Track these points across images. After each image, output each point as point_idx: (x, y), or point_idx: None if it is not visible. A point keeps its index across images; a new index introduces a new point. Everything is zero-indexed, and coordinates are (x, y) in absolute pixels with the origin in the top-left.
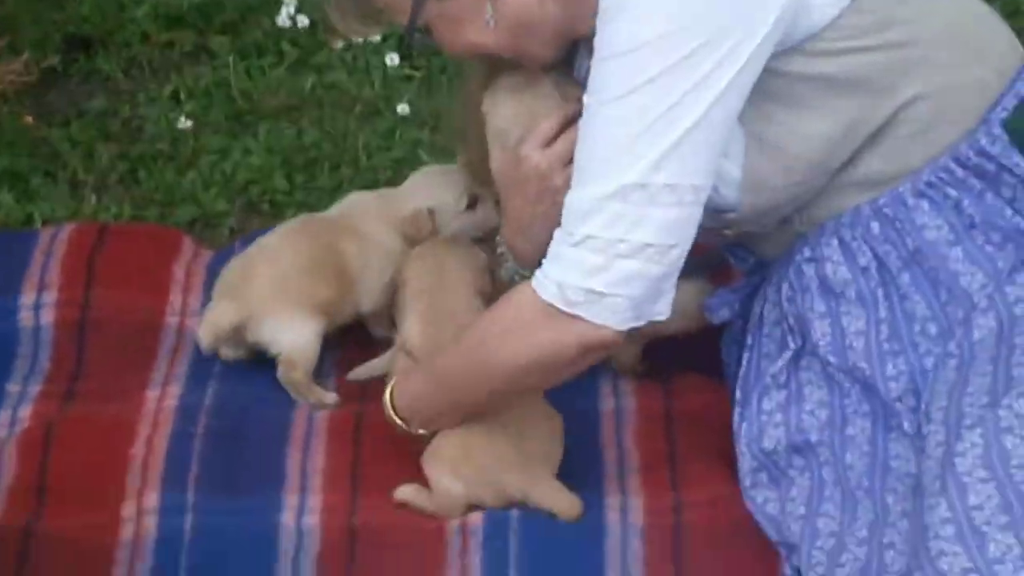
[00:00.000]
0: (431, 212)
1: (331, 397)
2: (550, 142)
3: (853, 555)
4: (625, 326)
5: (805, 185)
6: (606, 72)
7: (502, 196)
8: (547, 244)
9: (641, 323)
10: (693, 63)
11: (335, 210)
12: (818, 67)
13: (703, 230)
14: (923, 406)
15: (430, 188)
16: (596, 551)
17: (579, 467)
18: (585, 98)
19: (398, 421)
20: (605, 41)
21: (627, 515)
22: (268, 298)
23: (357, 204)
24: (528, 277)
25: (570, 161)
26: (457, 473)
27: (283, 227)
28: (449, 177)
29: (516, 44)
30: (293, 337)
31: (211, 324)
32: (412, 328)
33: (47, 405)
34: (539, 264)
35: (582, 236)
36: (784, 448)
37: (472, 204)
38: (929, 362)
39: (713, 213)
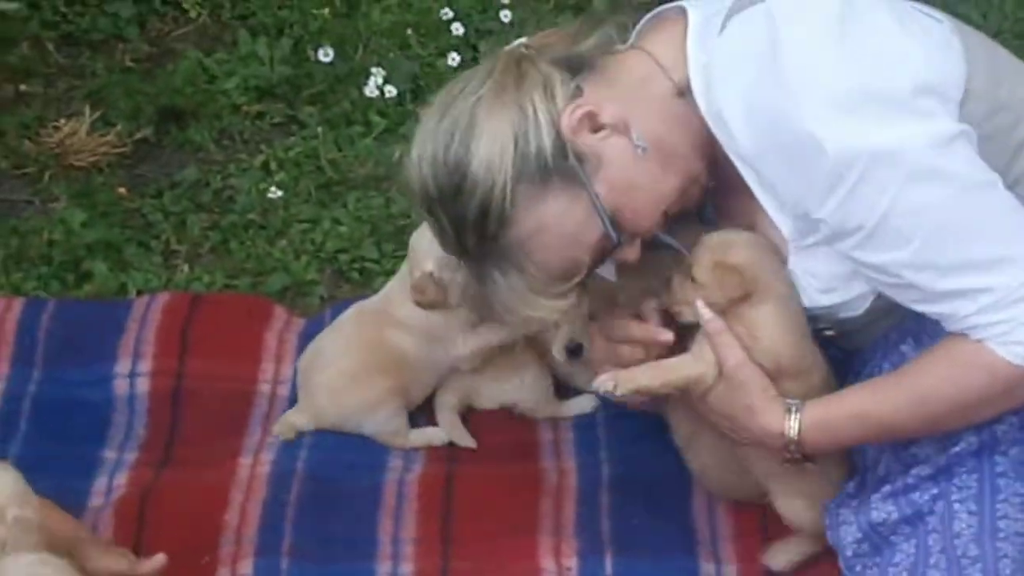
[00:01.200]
0: (431, 275)
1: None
2: None
3: None
4: None
5: None
6: None
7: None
8: None
9: None
10: None
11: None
12: None
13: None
14: None
15: (429, 248)
16: None
17: (673, 533)
18: None
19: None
20: None
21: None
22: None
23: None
24: None
25: None
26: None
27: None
28: None
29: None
30: (373, 428)
31: (287, 424)
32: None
33: (142, 472)
34: None
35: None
36: (894, 521)
37: None
38: None
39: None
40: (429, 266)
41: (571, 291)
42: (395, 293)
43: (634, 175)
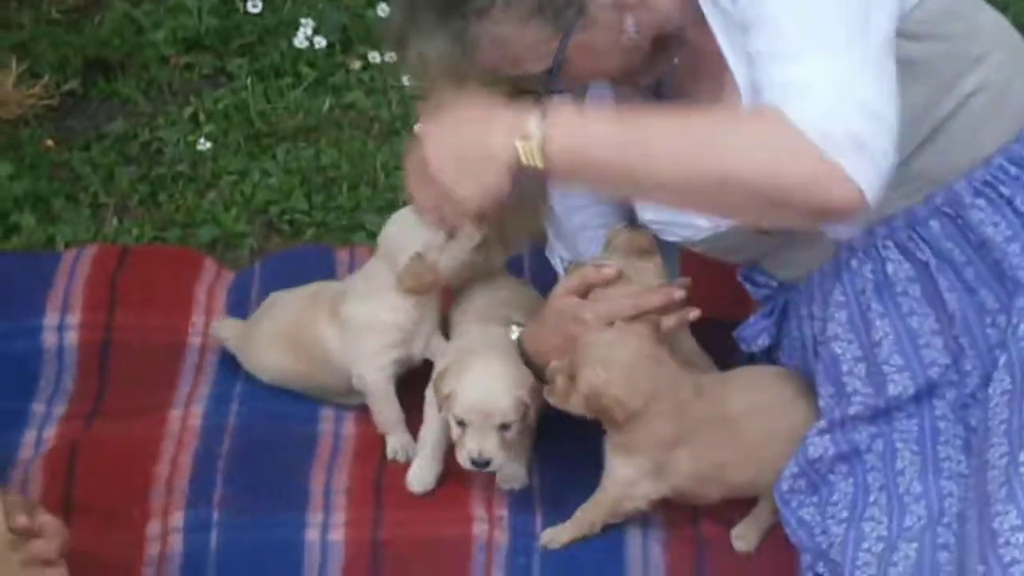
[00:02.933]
0: (420, 256)
1: None
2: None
3: (904, 553)
4: (874, 196)
5: None
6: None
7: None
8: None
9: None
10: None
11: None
12: (904, 49)
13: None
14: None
15: (409, 232)
16: (617, 562)
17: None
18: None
19: (530, 160)
20: None
21: (648, 526)
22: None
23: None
24: None
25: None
26: None
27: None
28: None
29: (651, 56)
30: None
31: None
32: None
33: (72, 425)
34: None
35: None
36: (830, 456)
37: (451, 234)
38: (1003, 357)
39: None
40: (417, 248)
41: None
42: (352, 287)
43: (607, 49)
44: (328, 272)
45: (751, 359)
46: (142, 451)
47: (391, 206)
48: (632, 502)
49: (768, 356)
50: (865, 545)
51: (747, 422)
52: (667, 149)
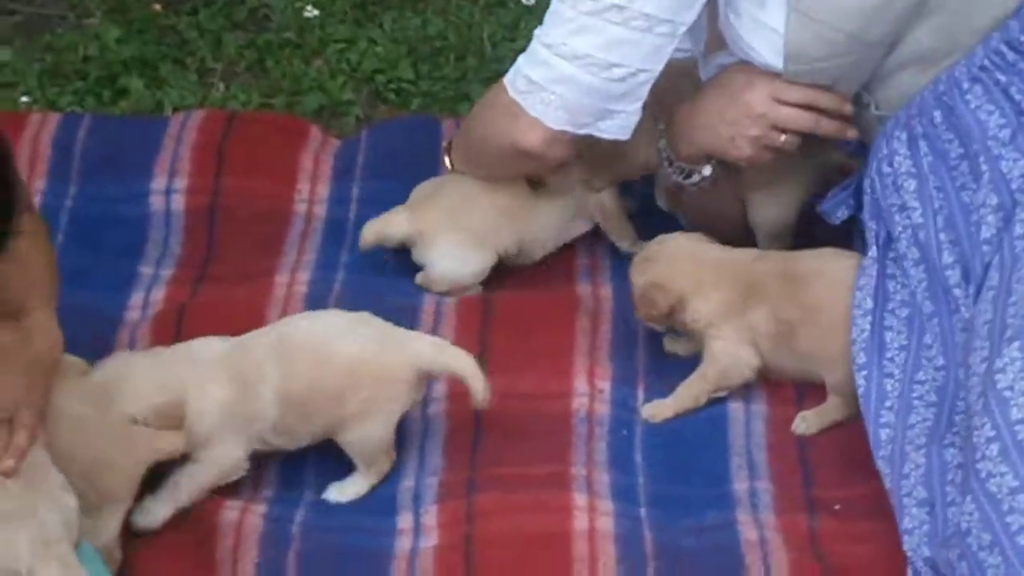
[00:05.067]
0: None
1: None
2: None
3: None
4: (558, 126)
5: (850, 59)
6: None
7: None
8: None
9: (580, 132)
10: None
11: None
12: None
13: None
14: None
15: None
16: (720, 438)
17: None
18: None
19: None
20: None
21: (751, 403)
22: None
23: None
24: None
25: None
26: None
27: None
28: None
29: None
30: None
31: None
32: None
33: (179, 289)
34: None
35: (540, 33)
36: None
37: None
38: (988, 253)
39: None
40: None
41: None
42: None
43: None
44: (434, 142)
45: None
46: (248, 316)
47: (497, 77)
48: (737, 371)
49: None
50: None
51: (813, 282)
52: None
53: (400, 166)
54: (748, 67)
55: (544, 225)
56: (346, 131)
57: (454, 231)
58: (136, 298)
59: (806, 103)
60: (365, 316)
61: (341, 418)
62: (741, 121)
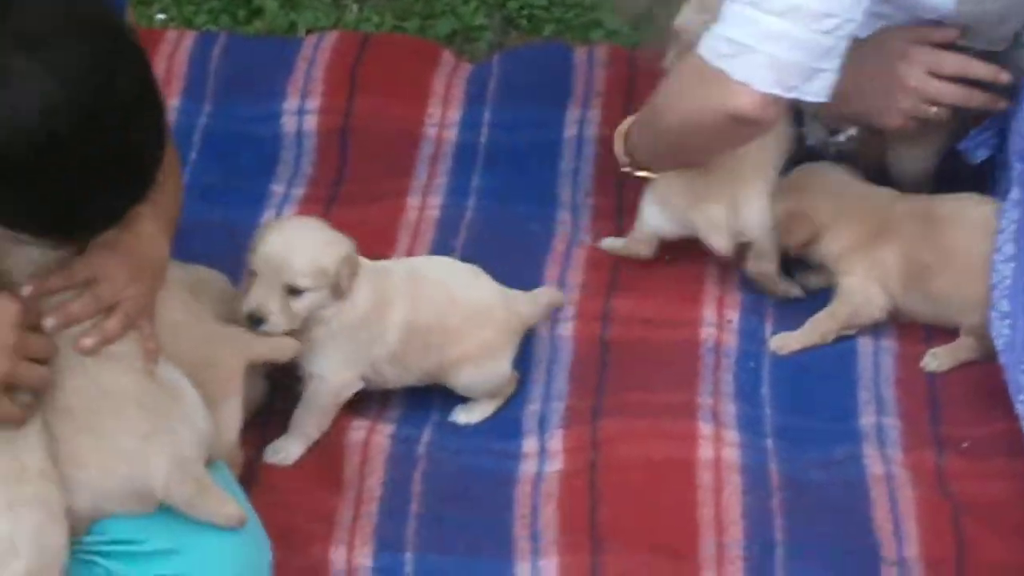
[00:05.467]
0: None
1: (796, 290)
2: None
3: None
4: (766, 88)
5: None
6: None
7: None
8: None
9: (788, 96)
10: None
11: None
12: None
13: None
14: None
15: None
16: (848, 373)
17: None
18: None
19: (623, 158)
20: None
21: (880, 338)
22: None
23: None
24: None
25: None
26: None
27: None
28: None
29: None
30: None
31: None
32: None
33: (310, 208)
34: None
35: None
36: None
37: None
38: None
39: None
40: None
41: None
42: None
43: None
44: (565, 70)
45: None
46: (379, 238)
47: (627, 7)
48: (867, 311)
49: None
50: None
51: (951, 225)
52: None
53: (531, 92)
54: (905, 33)
55: None
56: (477, 56)
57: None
58: (267, 216)
59: (960, 74)
60: (478, 268)
61: (455, 358)
62: (893, 93)
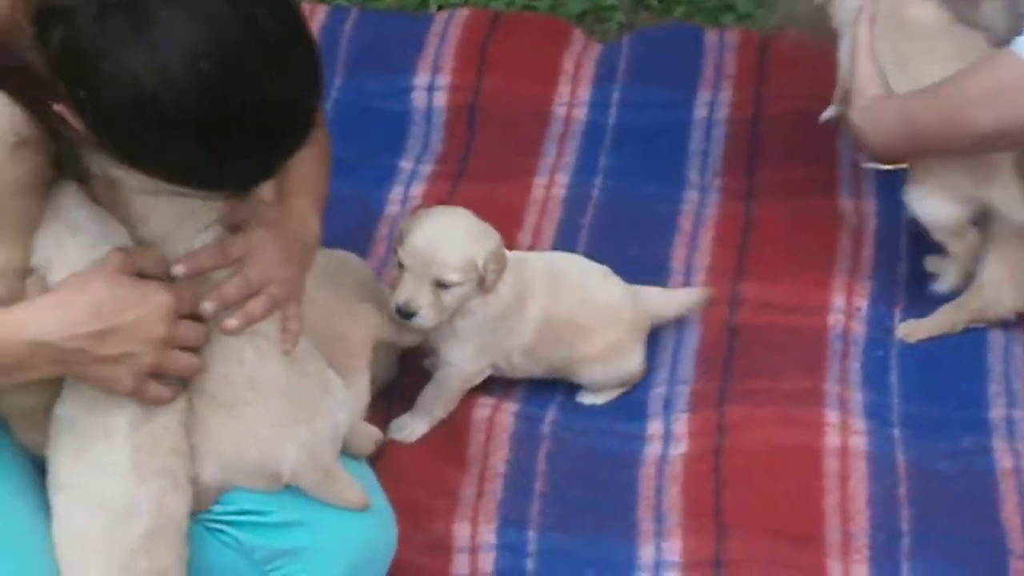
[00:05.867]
0: None
1: None
2: None
3: None
4: None
5: None
6: None
7: None
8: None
9: None
10: None
11: None
12: None
13: None
14: None
15: None
16: (978, 365)
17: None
18: None
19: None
20: None
21: (1010, 329)
22: None
23: None
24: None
25: None
26: None
27: None
28: None
29: None
30: None
31: None
32: None
33: (438, 185)
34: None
35: None
36: None
37: None
38: None
39: None
40: None
41: None
42: None
43: None
44: (696, 52)
45: None
46: (506, 216)
47: None
48: (997, 307)
49: None
50: None
51: None
52: (928, 135)
53: (661, 74)
54: None
55: None
56: (608, 36)
57: None
58: (396, 192)
59: None
60: (607, 269)
61: (584, 355)
62: None
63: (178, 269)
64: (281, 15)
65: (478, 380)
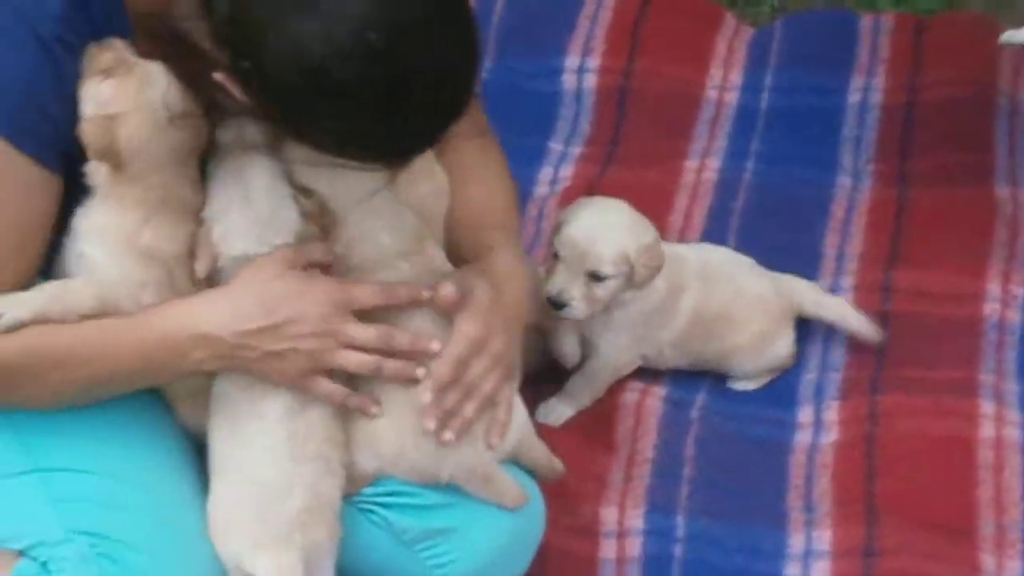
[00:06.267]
0: None
1: None
2: None
3: None
4: None
5: None
6: None
7: None
8: None
9: None
10: None
11: None
12: None
13: None
14: None
15: None
16: None
17: None
18: None
19: None
20: None
21: None
22: None
23: None
24: None
25: None
26: None
27: None
28: None
29: None
30: None
31: None
32: None
33: (587, 167)
34: None
35: None
36: None
37: None
38: None
39: None
40: None
41: None
42: None
43: None
44: (850, 37)
45: None
46: (656, 199)
47: None
48: None
49: None
50: None
51: None
52: None
53: (814, 58)
54: None
55: None
56: (760, 20)
57: None
58: (545, 173)
59: None
60: (752, 261)
61: (734, 346)
62: None
63: (365, 293)
64: None
65: (627, 371)
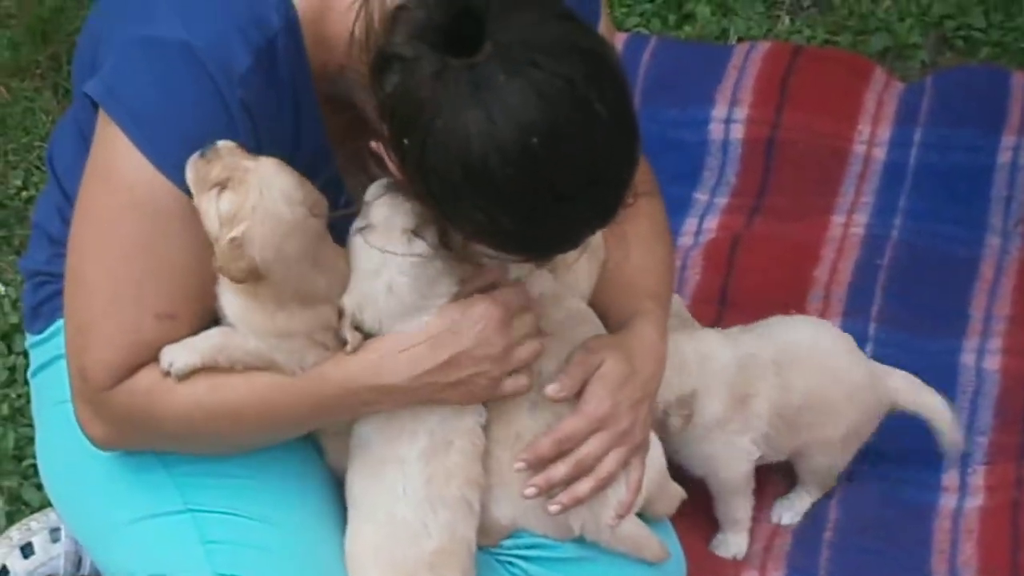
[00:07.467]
0: None
1: None
2: None
3: None
4: None
5: None
6: None
7: None
8: None
9: None
10: None
11: None
12: None
13: None
14: None
15: None
16: None
17: None
18: None
19: None
20: None
21: None
22: None
23: None
24: None
25: None
26: None
27: None
28: None
29: None
30: None
31: None
32: None
33: (733, 218)
34: None
35: None
36: None
37: None
38: None
39: None
40: None
41: None
42: None
43: None
44: (1002, 94)
45: None
46: (802, 253)
47: None
48: None
49: None
50: None
51: None
52: None
53: (965, 115)
54: None
55: None
56: (909, 75)
57: None
58: (690, 223)
59: None
60: (850, 338)
61: (826, 438)
62: None
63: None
64: (614, 101)
65: (746, 468)
